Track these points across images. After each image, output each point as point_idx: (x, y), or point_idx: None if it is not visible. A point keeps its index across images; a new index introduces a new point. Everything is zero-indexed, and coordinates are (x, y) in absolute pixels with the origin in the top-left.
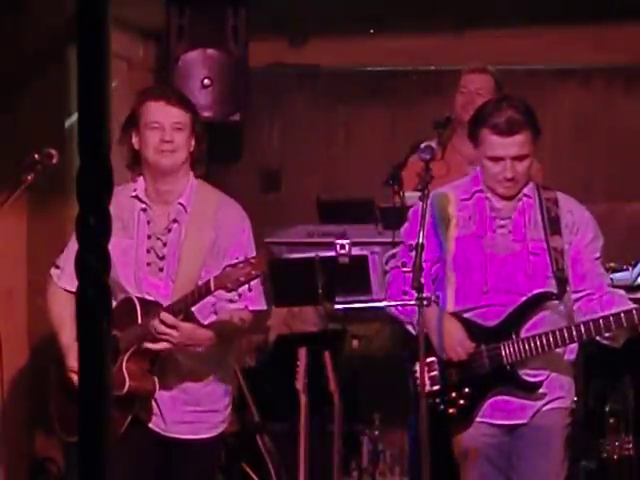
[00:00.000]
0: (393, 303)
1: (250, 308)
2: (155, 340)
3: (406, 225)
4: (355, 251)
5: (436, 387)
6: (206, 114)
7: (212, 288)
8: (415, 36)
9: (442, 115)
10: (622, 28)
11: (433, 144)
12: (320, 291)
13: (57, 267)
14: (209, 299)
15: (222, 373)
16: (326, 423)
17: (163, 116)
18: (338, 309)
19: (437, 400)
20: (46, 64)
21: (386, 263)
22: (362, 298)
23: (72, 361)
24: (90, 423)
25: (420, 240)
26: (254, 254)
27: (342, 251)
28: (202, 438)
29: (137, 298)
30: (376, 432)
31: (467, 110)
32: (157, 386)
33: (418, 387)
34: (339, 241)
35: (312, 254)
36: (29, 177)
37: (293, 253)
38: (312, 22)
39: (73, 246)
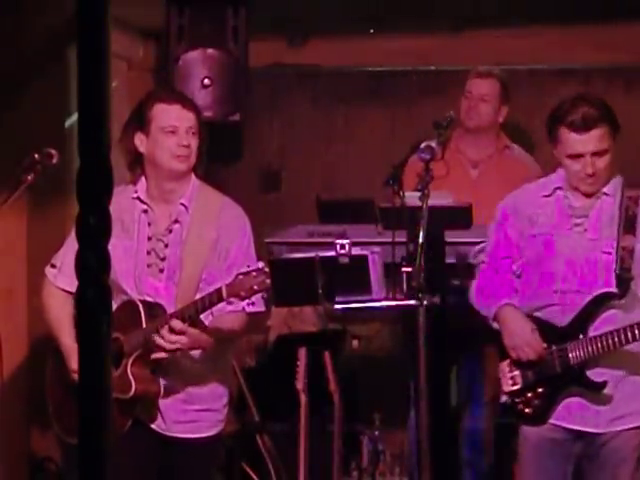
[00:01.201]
0: (392, 303)
1: (248, 310)
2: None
3: (492, 223)
4: (355, 251)
5: (516, 387)
6: (206, 114)
7: (225, 296)
8: (415, 36)
9: (442, 115)
10: (622, 28)
11: (433, 144)
12: (320, 291)
13: (53, 266)
14: None
15: (221, 372)
16: (326, 423)
17: (180, 120)
18: (338, 309)
19: (516, 400)
20: (46, 64)
21: (474, 258)
22: (362, 298)
23: (75, 363)
24: (90, 424)
25: (420, 240)
26: (254, 257)
27: (342, 251)
28: (202, 437)
29: (140, 301)
30: (376, 432)
31: (470, 115)
32: (162, 389)
33: (501, 386)
34: (339, 241)
35: (312, 254)
36: (29, 177)
37: (293, 253)
38: (312, 22)
39: (70, 245)
